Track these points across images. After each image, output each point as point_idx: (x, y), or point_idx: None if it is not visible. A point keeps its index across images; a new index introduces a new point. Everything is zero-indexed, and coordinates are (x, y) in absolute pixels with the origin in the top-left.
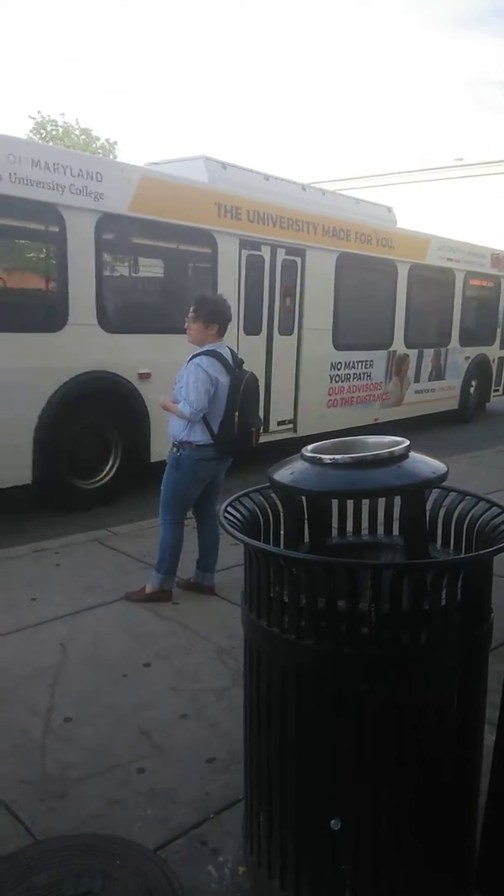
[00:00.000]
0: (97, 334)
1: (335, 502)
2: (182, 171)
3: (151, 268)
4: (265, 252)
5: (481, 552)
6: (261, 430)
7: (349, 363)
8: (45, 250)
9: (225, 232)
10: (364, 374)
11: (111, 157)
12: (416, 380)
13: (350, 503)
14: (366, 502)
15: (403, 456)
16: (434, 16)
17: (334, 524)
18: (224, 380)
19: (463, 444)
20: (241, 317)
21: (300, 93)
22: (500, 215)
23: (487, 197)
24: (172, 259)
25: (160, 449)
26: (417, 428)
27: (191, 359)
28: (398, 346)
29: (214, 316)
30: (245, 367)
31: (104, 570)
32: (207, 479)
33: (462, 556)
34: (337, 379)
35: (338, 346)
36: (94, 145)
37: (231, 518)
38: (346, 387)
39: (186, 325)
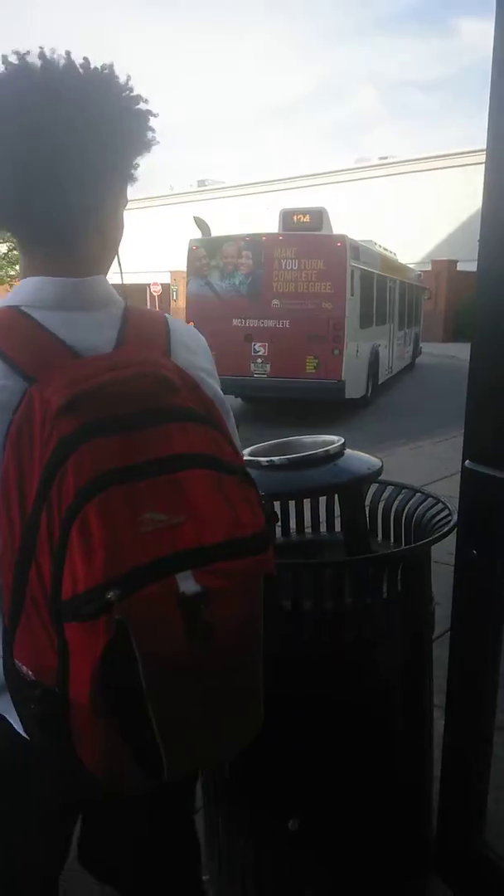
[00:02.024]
0: None
1: (277, 503)
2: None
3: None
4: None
5: (418, 543)
6: None
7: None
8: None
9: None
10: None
11: None
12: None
13: (292, 503)
14: (307, 501)
15: (338, 454)
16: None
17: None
18: None
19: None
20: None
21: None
22: (422, 211)
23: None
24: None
25: None
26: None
27: None
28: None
29: None
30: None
31: None
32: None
33: (400, 548)
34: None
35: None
36: None
37: None
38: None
39: None
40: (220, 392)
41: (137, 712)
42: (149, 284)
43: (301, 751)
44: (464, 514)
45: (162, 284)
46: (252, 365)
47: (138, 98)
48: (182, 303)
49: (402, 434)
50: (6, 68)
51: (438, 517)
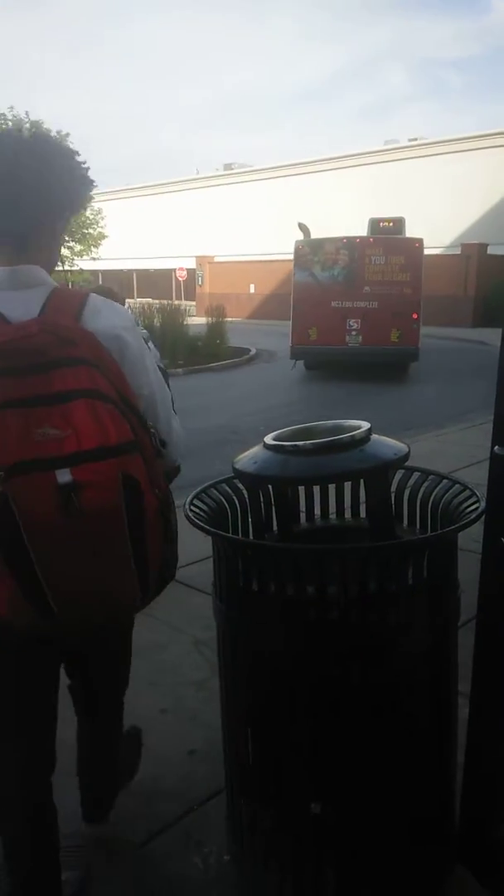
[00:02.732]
0: None
1: (301, 488)
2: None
3: None
4: None
5: (444, 530)
6: None
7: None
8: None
9: None
10: None
11: None
12: None
13: (316, 488)
14: (332, 486)
15: (365, 439)
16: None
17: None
18: None
19: None
20: None
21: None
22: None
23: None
24: None
25: None
26: None
27: None
28: None
29: None
30: None
31: None
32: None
33: (426, 534)
34: None
35: None
36: None
37: (197, 510)
38: None
39: None
40: (139, 341)
41: (27, 566)
42: (174, 270)
43: (323, 735)
44: (492, 500)
45: (187, 269)
46: (347, 337)
47: (76, 163)
48: (207, 288)
49: (429, 420)
50: None
51: (466, 504)
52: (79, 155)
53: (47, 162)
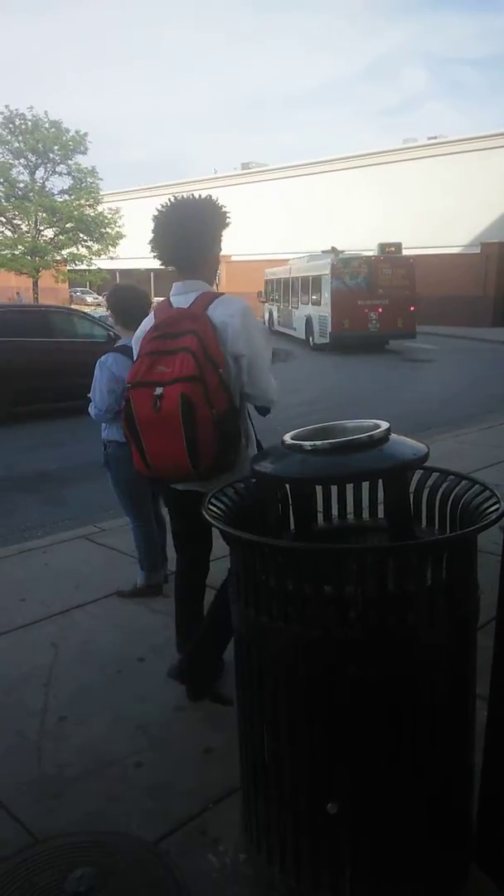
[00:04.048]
0: None
1: (319, 488)
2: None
3: None
4: None
5: (464, 531)
6: None
7: None
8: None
9: None
10: None
11: (82, 148)
12: None
13: (334, 488)
14: (350, 486)
15: (383, 439)
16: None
17: (319, 509)
18: None
19: None
20: None
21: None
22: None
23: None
24: None
25: None
26: None
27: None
28: None
29: (115, 309)
30: None
31: (93, 566)
32: (145, 477)
33: (445, 535)
34: None
35: None
36: (64, 137)
37: (215, 509)
38: None
39: None
40: (243, 322)
41: (138, 440)
42: None
43: (341, 735)
44: None
45: None
46: (369, 325)
47: (220, 209)
48: (224, 287)
49: (447, 421)
50: (168, 203)
51: (485, 505)
52: (223, 206)
53: (203, 214)
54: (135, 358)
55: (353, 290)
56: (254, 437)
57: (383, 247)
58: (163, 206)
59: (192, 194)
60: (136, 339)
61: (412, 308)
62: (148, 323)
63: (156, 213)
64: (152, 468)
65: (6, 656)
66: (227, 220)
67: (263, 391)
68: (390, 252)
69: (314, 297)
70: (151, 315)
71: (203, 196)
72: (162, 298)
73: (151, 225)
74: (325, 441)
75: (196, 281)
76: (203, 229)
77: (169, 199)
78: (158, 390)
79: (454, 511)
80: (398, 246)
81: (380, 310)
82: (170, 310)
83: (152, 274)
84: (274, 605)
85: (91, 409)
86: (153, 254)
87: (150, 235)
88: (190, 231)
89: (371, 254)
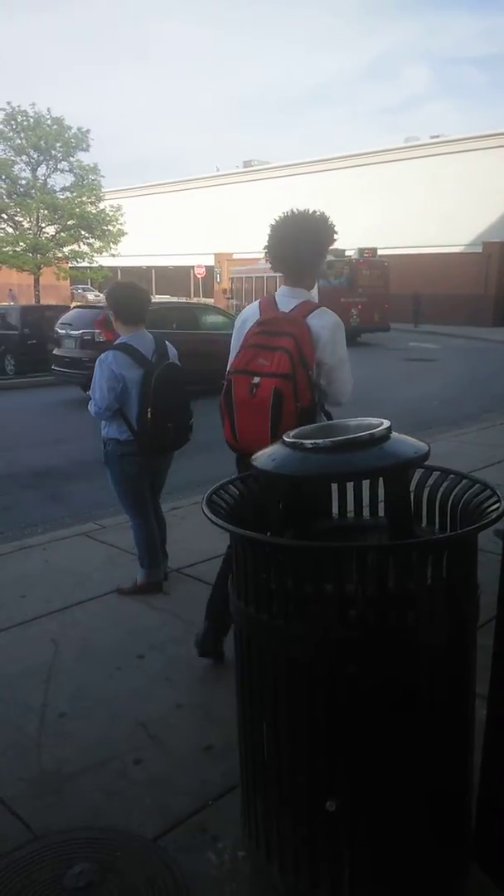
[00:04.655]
0: None
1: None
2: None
3: None
4: None
5: (464, 530)
6: (190, 425)
7: None
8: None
9: None
10: None
11: (84, 145)
12: None
13: (335, 486)
14: (351, 485)
15: (384, 437)
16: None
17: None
18: (134, 374)
19: None
20: None
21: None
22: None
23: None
24: None
25: None
26: None
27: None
28: None
29: (114, 305)
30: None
31: (93, 563)
32: (145, 474)
33: (446, 534)
34: None
35: None
36: (66, 134)
37: (216, 506)
38: None
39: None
40: (332, 335)
41: (232, 417)
42: (192, 267)
43: (340, 733)
44: None
45: (206, 267)
46: (350, 319)
47: (331, 226)
48: (225, 285)
49: (448, 420)
50: (286, 215)
51: (486, 504)
52: (333, 223)
53: (314, 229)
54: (237, 343)
55: (337, 289)
56: None
57: (361, 251)
58: (281, 218)
59: (308, 210)
60: (242, 324)
61: (386, 305)
62: (252, 315)
63: (273, 223)
64: (238, 440)
65: (6, 653)
66: (336, 236)
67: (337, 394)
68: (367, 256)
69: None
70: (256, 307)
71: (318, 213)
72: (167, 297)
73: (153, 222)
74: (326, 439)
75: (300, 289)
76: (313, 246)
77: (286, 212)
78: (256, 379)
79: (454, 510)
80: (374, 251)
81: (360, 306)
82: (276, 311)
83: (153, 272)
84: (274, 603)
85: (91, 407)
86: (266, 257)
87: (266, 242)
88: (302, 244)
89: (351, 254)
